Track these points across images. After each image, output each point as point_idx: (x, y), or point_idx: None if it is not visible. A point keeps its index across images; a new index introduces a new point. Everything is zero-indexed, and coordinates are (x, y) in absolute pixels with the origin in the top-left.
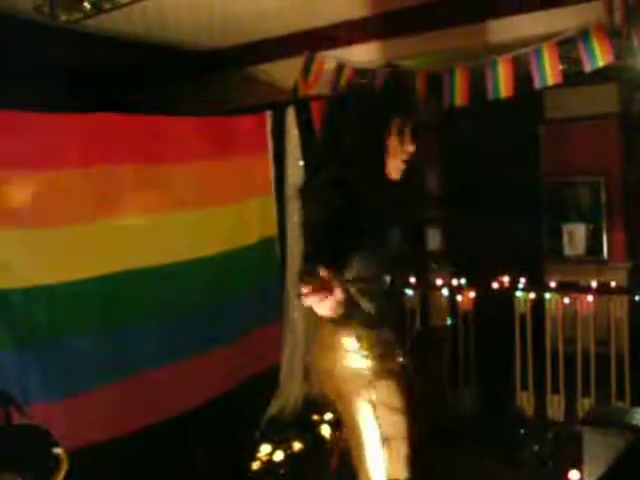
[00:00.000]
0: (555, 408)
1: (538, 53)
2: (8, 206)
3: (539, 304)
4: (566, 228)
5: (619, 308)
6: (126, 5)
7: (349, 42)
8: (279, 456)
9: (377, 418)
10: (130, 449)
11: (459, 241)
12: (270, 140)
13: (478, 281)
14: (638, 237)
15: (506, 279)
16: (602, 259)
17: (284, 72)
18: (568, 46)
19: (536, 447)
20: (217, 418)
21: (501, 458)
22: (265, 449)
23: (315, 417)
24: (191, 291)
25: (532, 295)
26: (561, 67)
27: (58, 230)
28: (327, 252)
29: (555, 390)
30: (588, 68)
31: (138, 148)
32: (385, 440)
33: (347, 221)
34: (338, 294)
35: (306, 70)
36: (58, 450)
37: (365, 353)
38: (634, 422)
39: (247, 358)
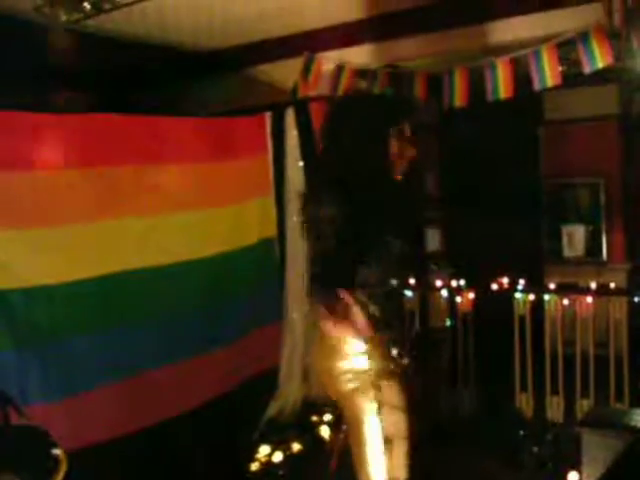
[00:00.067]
0: (554, 409)
1: (537, 54)
2: (8, 206)
3: (538, 305)
4: (565, 229)
5: (618, 309)
6: (126, 6)
7: (349, 43)
8: (278, 457)
9: (379, 418)
10: (129, 449)
11: (458, 242)
12: (270, 141)
13: (477, 282)
14: (637, 238)
15: (505, 280)
16: (601, 260)
17: (284, 73)
18: (567, 47)
19: (535, 448)
20: (216, 419)
21: (500, 459)
22: (264, 450)
23: (314, 418)
24: (190, 291)
25: (531, 296)
26: (560, 68)
27: (57, 230)
28: (337, 270)
29: (554, 391)
30: (587, 69)
31: (138, 148)
32: (386, 440)
33: (350, 231)
34: (360, 318)
35: (306, 71)
36: (57, 451)
37: (369, 354)
38: (633, 423)
39: (246, 358)
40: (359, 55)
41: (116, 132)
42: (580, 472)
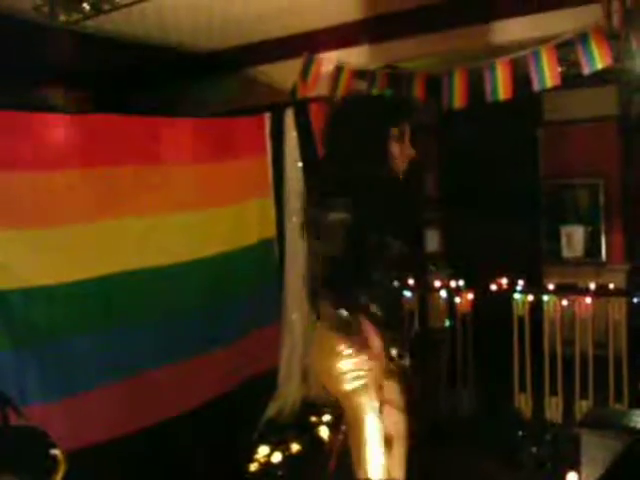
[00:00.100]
0: (553, 410)
1: (537, 55)
2: (7, 206)
3: (537, 306)
4: (564, 230)
5: (617, 310)
6: (125, 6)
7: (348, 44)
8: (277, 457)
9: (380, 418)
10: (129, 449)
11: (457, 243)
12: (269, 141)
13: (476, 283)
14: (636, 239)
15: (504, 281)
16: (600, 261)
17: (283, 74)
18: (567, 48)
19: (534, 449)
20: (216, 419)
21: (499, 459)
22: (263, 450)
23: (313, 419)
24: (190, 291)
25: (530, 297)
26: (560, 69)
27: (57, 230)
28: (349, 274)
29: (553, 392)
30: (587, 70)
31: (137, 149)
32: (386, 439)
33: (360, 234)
34: (377, 343)
35: (305, 72)
36: (56, 451)
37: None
38: (632, 424)
39: (246, 359)
40: (359, 55)
41: (116, 132)
42: (579, 473)
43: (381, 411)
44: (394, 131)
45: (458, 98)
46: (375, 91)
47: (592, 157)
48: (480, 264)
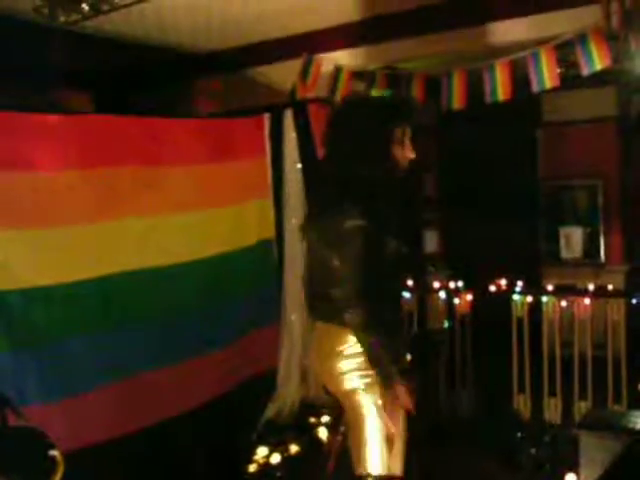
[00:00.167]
0: (552, 411)
1: (536, 56)
2: (7, 206)
3: (536, 307)
4: (563, 231)
5: (616, 311)
6: (124, 7)
7: (347, 45)
8: (276, 459)
9: (381, 418)
10: (128, 450)
11: (456, 244)
12: (268, 142)
13: (475, 284)
14: (635, 240)
15: (503, 282)
16: (599, 262)
17: (282, 74)
18: (566, 49)
19: (533, 450)
20: (215, 420)
21: (498, 460)
22: (262, 452)
23: (312, 420)
24: (190, 292)
25: (529, 298)
26: (559, 70)
27: (57, 231)
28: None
29: (552, 393)
30: (586, 71)
31: (137, 149)
32: (386, 439)
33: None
34: (404, 396)
35: (304, 72)
36: (54, 452)
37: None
38: (631, 425)
39: (244, 360)
40: (357, 56)
41: (115, 133)
42: (578, 474)
43: (382, 411)
44: (395, 132)
45: (457, 99)
46: (374, 92)
47: (591, 158)
48: (479, 265)
